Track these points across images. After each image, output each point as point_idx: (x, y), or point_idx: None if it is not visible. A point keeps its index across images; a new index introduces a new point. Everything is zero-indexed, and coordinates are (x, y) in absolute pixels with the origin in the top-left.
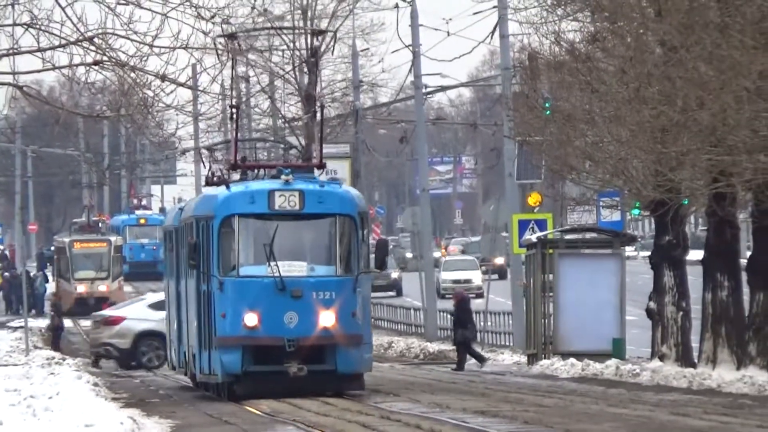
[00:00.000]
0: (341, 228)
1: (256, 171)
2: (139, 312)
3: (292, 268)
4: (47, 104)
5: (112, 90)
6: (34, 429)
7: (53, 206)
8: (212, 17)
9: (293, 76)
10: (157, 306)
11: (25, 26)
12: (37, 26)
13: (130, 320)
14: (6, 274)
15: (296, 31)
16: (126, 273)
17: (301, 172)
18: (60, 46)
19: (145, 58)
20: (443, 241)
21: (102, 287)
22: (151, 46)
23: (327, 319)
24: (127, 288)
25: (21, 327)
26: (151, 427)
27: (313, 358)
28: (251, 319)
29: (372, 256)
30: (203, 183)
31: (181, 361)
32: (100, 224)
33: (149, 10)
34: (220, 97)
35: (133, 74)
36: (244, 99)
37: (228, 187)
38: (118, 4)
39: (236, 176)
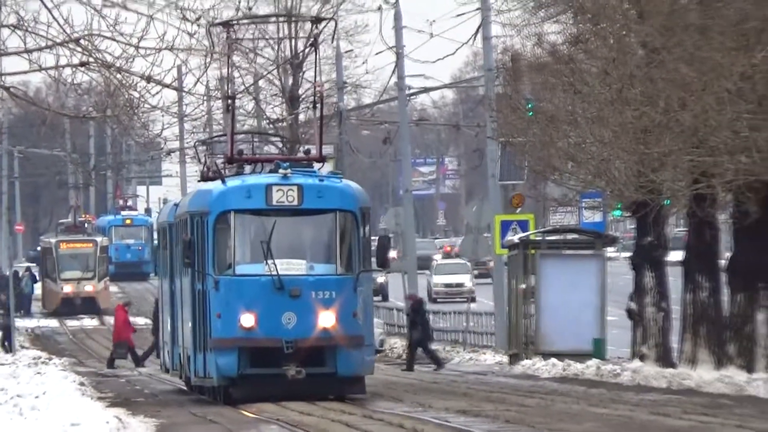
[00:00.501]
0: (342, 224)
1: (253, 165)
2: None
3: (291, 267)
4: (34, 105)
5: (99, 91)
6: (21, 428)
7: (40, 206)
8: (197, 19)
9: (277, 77)
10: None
11: (12, 27)
12: (24, 28)
13: None
14: None
15: (295, 19)
16: (112, 273)
17: (299, 167)
18: (46, 47)
19: (131, 59)
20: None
21: (88, 287)
22: (136, 47)
23: (327, 319)
24: (113, 288)
25: (7, 326)
26: (136, 426)
27: (312, 361)
28: (248, 319)
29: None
30: (198, 178)
31: (175, 363)
32: (86, 225)
33: (135, 11)
34: (205, 98)
35: (119, 75)
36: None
37: (224, 181)
38: (104, 6)
39: (231, 171)
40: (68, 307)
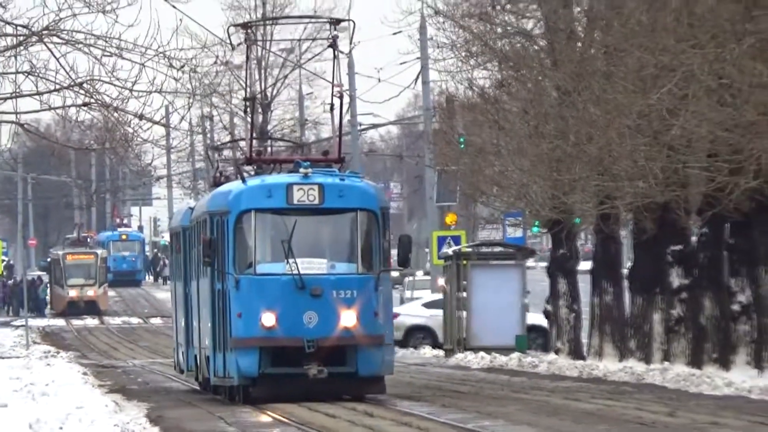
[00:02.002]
0: (362, 223)
1: (272, 165)
2: (414, 309)
3: (312, 266)
4: (44, 139)
5: (99, 127)
6: (34, 410)
7: (49, 224)
8: (182, 66)
9: (249, 114)
10: (431, 305)
11: (26, 74)
12: (36, 74)
13: (403, 316)
14: (9, 282)
15: (314, 20)
16: (110, 280)
17: (318, 167)
18: (55, 90)
19: (126, 100)
20: None
21: (90, 292)
22: (131, 90)
23: (348, 318)
24: (111, 293)
25: (22, 325)
26: (130, 409)
27: (333, 360)
28: (269, 319)
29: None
30: (210, 183)
31: (190, 364)
32: (88, 239)
33: (129, 60)
34: (188, 132)
35: (116, 114)
36: (208, 134)
37: (244, 181)
38: (104, 55)
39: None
40: (73, 309)
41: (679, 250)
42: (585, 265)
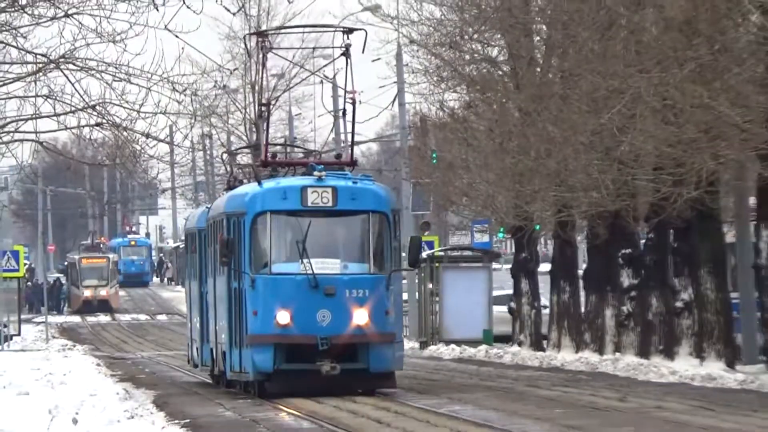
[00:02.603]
0: (374, 225)
1: (286, 169)
2: None
3: (325, 266)
4: (61, 155)
5: (110, 145)
6: (53, 396)
7: (66, 232)
8: (184, 90)
9: (245, 133)
10: (496, 300)
11: (45, 97)
12: (54, 97)
13: None
14: (29, 283)
15: (328, 29)
16: (120, 281)
17: (331, 170)
18: (71, 111)
19: (134, 120)
20: None
21: (103, 292)
22: (138, 112)
23: (360, 317)
24: (122, 293)
25: (42, 322)
26: (139, 396)
27: (345, 357)
28: (284, 317)
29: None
30: (225, 186)
31: (205, 359)
32: (101, 245)
33: (137, 84)
34: (190, 149)
35: (125, 133)
36: (208, 151)
37: (260, 183)
38: (114, 80)
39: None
40: (88, 307)
41: (628, 253)
42: (545, 267)
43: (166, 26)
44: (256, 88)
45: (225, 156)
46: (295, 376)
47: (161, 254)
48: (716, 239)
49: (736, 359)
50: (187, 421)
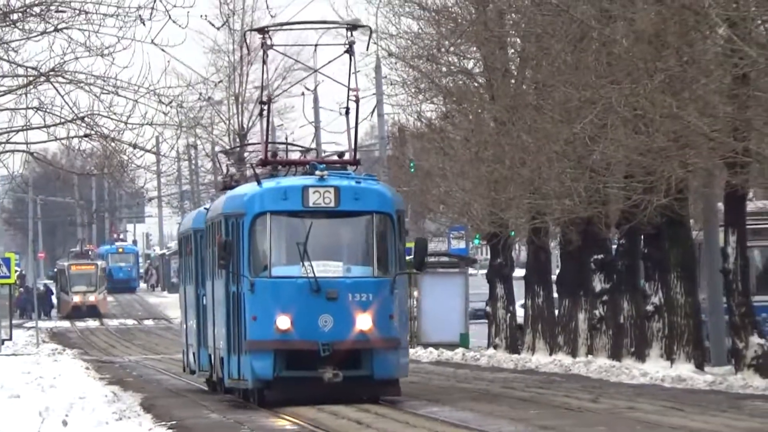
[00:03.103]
0: (378, 226)
1: (286, 168)
2: None
3: (327, 269)
4: (51, 165)
5: (98, 155)
6: (43, 399)
7: (56, 239)
8: (170, 102)
9: (229, 143)
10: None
11: (35, 109)
12: (44, 109)
13: None
14: (21, 289)
15: (331, 26)
16: (108, 287)
17: (334, 169)
18: (60, 123)
19: (121, 131)
20: None
21: (91, 298)
22: (125, 123)
23: (364, 322)
24: (110, 298)
25: (33, 327)
26: (127, 398)
27: (348, 364)
28: (284, 322)
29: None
30: (219, 187)
31: (202, 365)
32: (89, 252)
33: (124, 97)
34: (176, 159)
35: (113, 144)
36: (193, 161)
37: (259, 183)
38: (102, 93)
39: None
40: (77, 312)
41: (600, 258)
42: (519, 272)
43: (152, 40)
44: (240, 92)
45: (220, 155)
46: (296, 383)
47: (148, 261)
48: (685, 245)
49: (705, 361)
50: (174, 423)
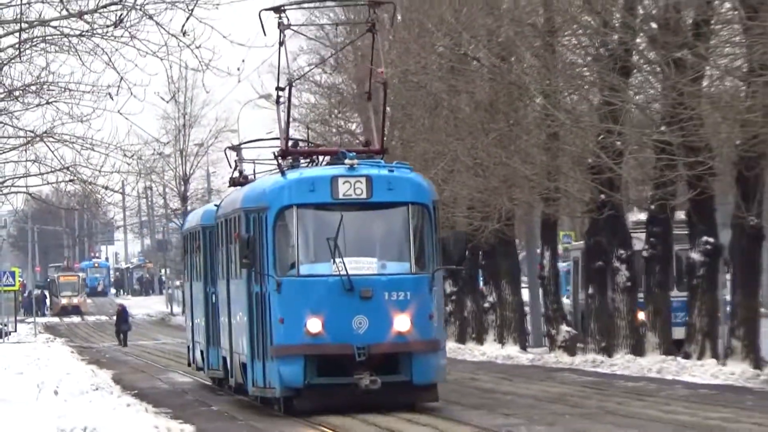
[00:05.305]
0: (415, 218)
1: (309, 159)
2: None
3: (361, 266)
4: (45, 203)
5: (79, 195)
6: (40, 375)
7: (48, 257)
8: (132, 155)
9: (176, 186)
10: None
11: (32, 161)
12: (39, 161)
13: None
14: (25, 294)
15: (350, 3)
16: (87, 292)
17: (360, 159)
18: (51, 171)
19: (96, 177)
20: None
21: (75, 300)
22: (99, 171)
23: (402, 323)
24: (89, 301)
25: (32, 322)
26: (102, 374)
27: (385, 368)
28: (314, 324)
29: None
30: (229, 184)
31: (211, 363)
32: (73, 266)
33: (99, 152)
34: (137, 197)
35: (90, 186)
36: (149, 199)
37: (283, 174)
38: (82, 149)
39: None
40: (64, 311)
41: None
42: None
43: (119, 111)
44: (183, 147)
45: (229, 151)
46: (329, 391)
47: (117, 273)
48: (512, 258)
49: (527, 344)
50: (136, 392)
